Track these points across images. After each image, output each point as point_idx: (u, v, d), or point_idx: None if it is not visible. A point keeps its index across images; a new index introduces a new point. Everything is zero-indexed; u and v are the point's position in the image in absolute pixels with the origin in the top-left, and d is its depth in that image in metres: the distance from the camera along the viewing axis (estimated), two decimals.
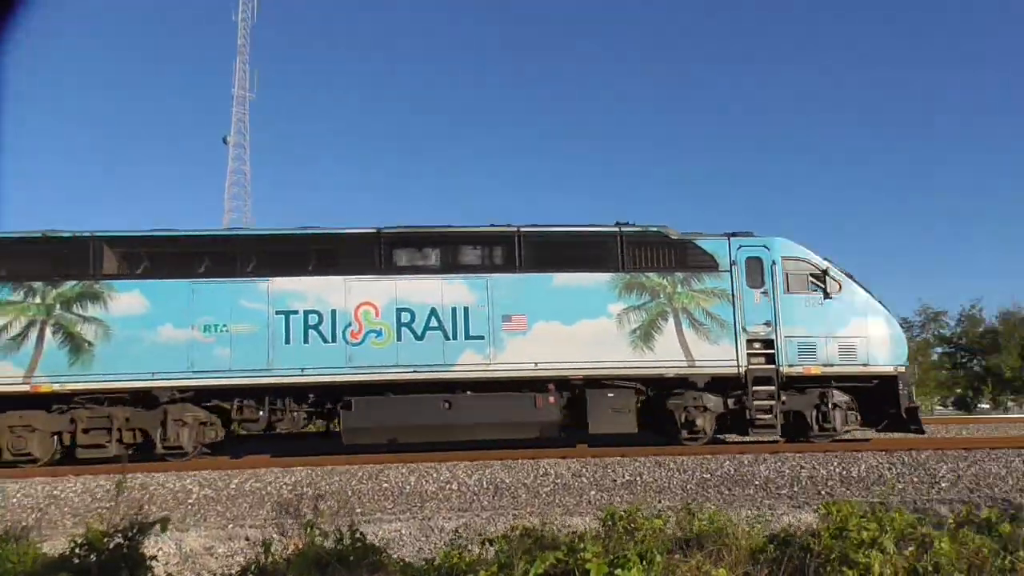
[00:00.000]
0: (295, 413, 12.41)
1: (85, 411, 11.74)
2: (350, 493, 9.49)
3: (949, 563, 5.13)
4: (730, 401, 12.77)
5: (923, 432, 12.92)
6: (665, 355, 12.51)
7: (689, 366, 12.56)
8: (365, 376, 12.02)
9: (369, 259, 12.50)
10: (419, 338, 12.20)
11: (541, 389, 12.36)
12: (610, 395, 12.52)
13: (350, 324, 12.13)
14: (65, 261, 12.04)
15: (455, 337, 12.25)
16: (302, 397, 12.36)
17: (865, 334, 13.06)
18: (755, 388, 12.57)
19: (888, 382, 13.04)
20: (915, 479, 10.43)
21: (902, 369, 13.16)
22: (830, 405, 12.91)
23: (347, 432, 11.96)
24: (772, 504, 8.79)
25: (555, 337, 12.35)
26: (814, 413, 12.93)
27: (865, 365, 12.97)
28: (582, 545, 4.91)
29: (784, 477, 10.35)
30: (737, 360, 12.62)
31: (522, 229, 12.84)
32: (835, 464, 10.86)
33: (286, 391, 12.21)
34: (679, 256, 13.00)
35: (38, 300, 11.76)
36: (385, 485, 9.78)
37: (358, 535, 5.41)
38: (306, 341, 12.04)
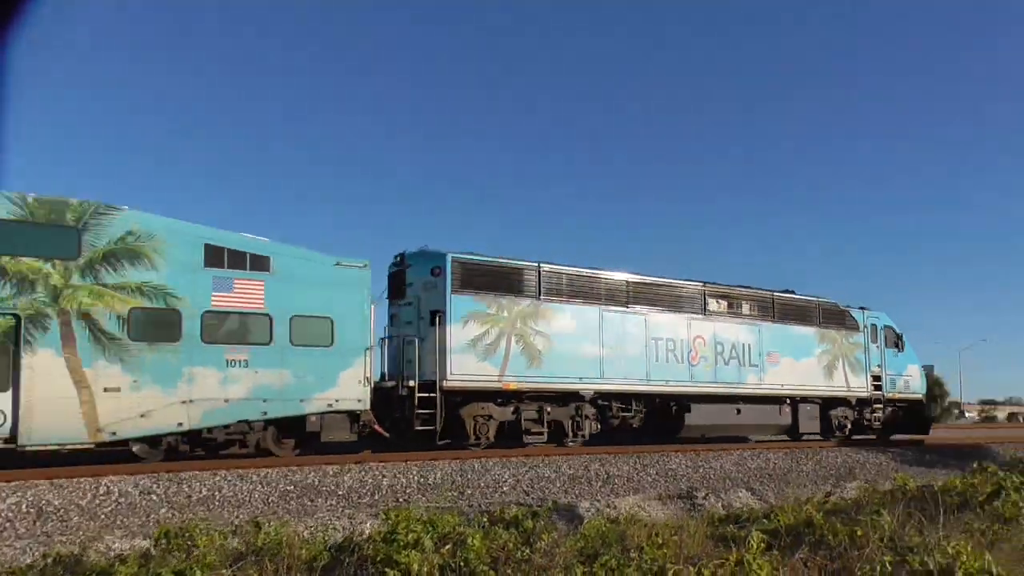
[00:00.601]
0: (639, 413, 16.75)
1: (524, 405, 14.80)
2: None
3: (477, 557, 5.56)
4: (855, 413, 20.40)
5: (928, 434, 22.03)
6: (838, 383, 19.65)
7: (847, 391, 19.90)
8: (699, 388, 16.99)
9: (695, 304, 17.42)
10: (726, 364, 17.53)
11: (780, 402, 18.58)
12: (808, 408, 19.24)
13: (690, 350, 16.97)
14: (520, 284, 14.83)
15: (744, 364, 17.84)
16: (650, 401, 16.77)
17: (912, 375, 21.80)
18: (874, 406, 20.41)
19: (918, 403, 21.99)
20: (482, 484, 11.21)
21: (923, 395, 22.25)
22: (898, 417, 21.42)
23: (687, 428, 16.79)
24: (352, 513, 8.67)
25: (791, 368, 18.68)
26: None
27: (913, 393, 21.70)
28: (121, 568, 4.74)
29: (367, 487, 10.50)
30: (867, 388, 20.31)
31: (775, 294, 18.91)
32: (415, 473, 11.28)
33: (643, 396, 16.55)
34: (840, 319, 20.26)
35: (505, 314, 14.47)
36: None
37: None
38: (667, 361, 16.57)
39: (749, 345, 18.04)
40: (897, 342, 21.57)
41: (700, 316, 17.40)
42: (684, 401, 16.88)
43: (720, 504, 10.42)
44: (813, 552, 6.72)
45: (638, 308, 16.39)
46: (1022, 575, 6.18)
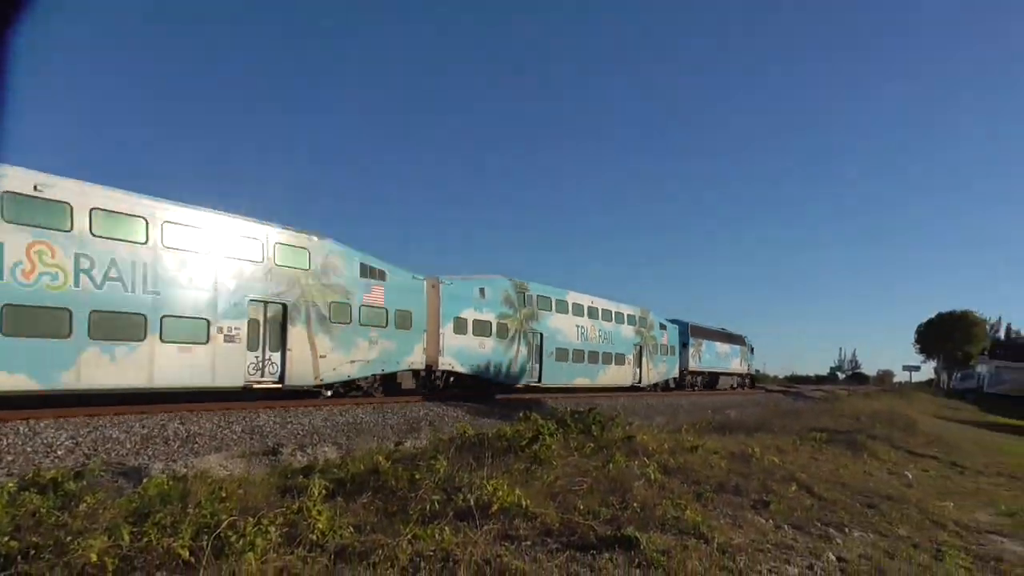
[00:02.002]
0: (706, 378, 43.56)
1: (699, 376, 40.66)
2: None
3: None
4: (741, 380, 50.38)
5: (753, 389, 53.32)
6: (739, 367, 49.28)
7: (743, 370, 49.73)
8: (723, 370, 44.68)
9: (730, 340, 45.15)
10: (727, 360, 45.52)
11: (735, 376, 47.32)
12: (738, 377, 48.42)
13: (722, 356, 44.51)
14: (700, 331, 40.64)
15: (729, 360, 46.12)
16: (712, 374, 43.65)
17: (754, 364, 52.93)
18: (746, 378, 50.79)
19: (751, 376, 53.35)
20: (29, 449, 10.20)
21: (753, 372, 53.70)
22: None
23: (719, 386, 44.27)
24: None
25: (735, 361, 47.62)
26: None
27: (751, 372, 52.84)
28: None
29: None
30: (746, 370, 50.55)
31: (731, 331, 47.56)
32: None
33: (715, 373, 43.36)
34: (743, 341, 50.06)
35: (696, 343, 40.11)
36: None
37: None
38: (720, 359, 43.83)
39: (729, 354, 46.28)
40: (752, 349, 52.24)
41: (728, 343, 45.13)
42: (719, 374, 44.29)
43: (305, 459, 10.24)
44: (376, 496, 6.93)
45: (715, 340, 43.25)
46: (548, 505, 6.84)
